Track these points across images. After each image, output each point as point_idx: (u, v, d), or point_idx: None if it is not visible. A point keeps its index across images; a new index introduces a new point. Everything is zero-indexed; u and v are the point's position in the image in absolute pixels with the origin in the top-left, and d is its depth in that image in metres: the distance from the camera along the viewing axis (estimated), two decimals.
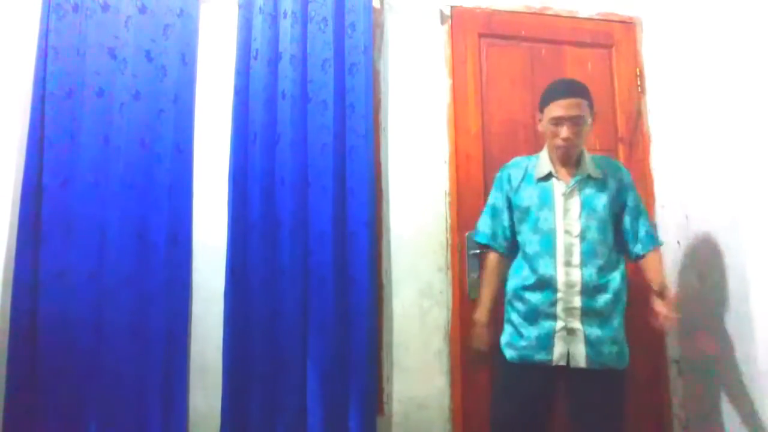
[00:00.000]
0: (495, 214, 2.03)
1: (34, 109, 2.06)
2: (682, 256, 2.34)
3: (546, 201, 1.91)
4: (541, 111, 1.93)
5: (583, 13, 2.61)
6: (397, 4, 2.49)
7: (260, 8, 2.26)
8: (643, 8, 2.64)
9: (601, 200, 1.90)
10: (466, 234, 2.32)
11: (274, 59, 2.25)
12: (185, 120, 2.23)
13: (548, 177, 1.93)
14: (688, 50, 2.37)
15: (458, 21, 2.51)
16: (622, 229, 1.96)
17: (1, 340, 1.96)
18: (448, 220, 2.37)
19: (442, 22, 2.51)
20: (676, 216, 2.38)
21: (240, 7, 2.30)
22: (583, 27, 2.60)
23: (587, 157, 1.94)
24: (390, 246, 2.33)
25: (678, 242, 2.37)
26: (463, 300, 2.30)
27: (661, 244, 1.99)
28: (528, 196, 1.94)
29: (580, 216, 1.88)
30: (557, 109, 1.86)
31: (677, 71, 2.44)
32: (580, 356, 1.82)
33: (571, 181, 1.91)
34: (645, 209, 2.01)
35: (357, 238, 2.18)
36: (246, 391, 2.08)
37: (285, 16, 2.26)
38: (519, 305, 1.91)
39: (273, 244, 2.16)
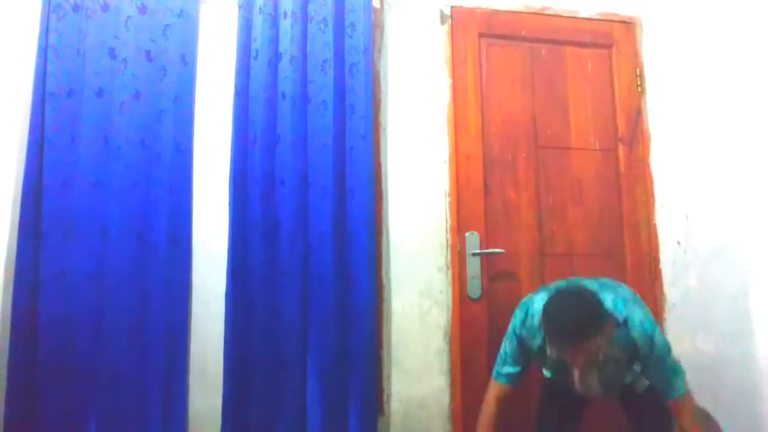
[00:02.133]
0: (511, 362, 1.87)
1: (34, 109, 2.06)
2: (682, 255, 2.34)
3: (564, 371, 1.74)
4: (548, 340, 1.72)
5: (583, 13, 2.61)
6: (397, 4, 2.49)
7: (260, 8, 2.26)
8: (643, 8, 2.64)
9: (620, 373, 1.73)
10: (466, 234, 2.32)
11: (274, 59, 2.25)
12: (185, 120, 2.23)
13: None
14: (688, 50, 2.37)
15: (458, 21, 2.50)
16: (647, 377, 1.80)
17: (1, 340, 1.96)
18: (448, 220, 2.37)
19: (442, 22, 2.51)
20: (676, 216, 2.38)
21: (240, 7, 2.30)
22: (583, 27, 2.60)
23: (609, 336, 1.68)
24: (390, 246, 2.33)
25: (678, 242, 2.37)
26: (463, 300, 2.30)
27: (683, 393, 1.80)
28: (548, 366, 1.81)
29: (597, 384, 1.70)
30: (563, 354, 1.66)
31: (677, 71, 2.44)
32: None
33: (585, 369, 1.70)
34: (670, 364, 1.79)
35: (357, 238, 2.18)
36: (246, 391, 2.08)
37: (285, 17, 2.26)
38: None
39: (273, 244, 2.16)
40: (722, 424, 1.62)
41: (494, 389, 1.90)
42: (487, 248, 2.31)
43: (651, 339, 1.74)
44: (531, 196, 2.41)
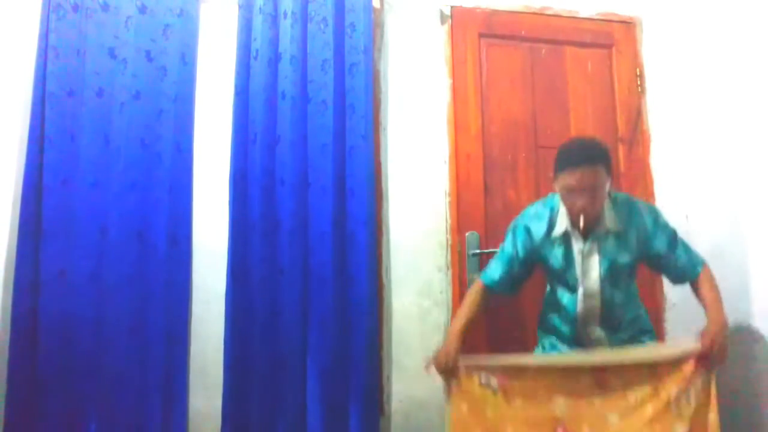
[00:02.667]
0: (507, 262, 1.92)
1: (34, 109, 2.06)
2: None
3: (571, 261, 1.84)
4: (555, 176, 1.79)
5: (583, 13, 2.61)
6: (397, 4, 2.49)
7: (260, 8, 2.26)
8: (643, 8, 2.63)
9: (623, 257, 1.82)
10: (466, 234, 2.32)
11: (274, 59, 2.25)
12: (185, 120, 2.23)
13: (566, 234, 1.83)
14: (688, 50, 2.38)
15: (458, 21, 2.50)
16: (663, 271, 1.91)
17: (1, 340, 1.96)
18: (448, 220, 2.37)
19: (442, 22, 2.51)
20: (676, 216, 2.38)
21: (240, 7, 2.30)
22: (583, 27, 2.60)
23: (607, 207, 1.80)
24: (390, 246, 2.33)
25: None
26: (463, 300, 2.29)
27: (703, 262, 1.84)
28: (554, 257, 1.86)
29: (600, 277, 1.82)
30: (570, 178, 1.72)
31: (677, 71, 2.44)
32: None
33: (587, 243, 1.81)
34: (678, 239, 1.86)
35: (357, 238, 2.18)
36: (246, 391, 2.08)
37: (285, 17, 2.26)
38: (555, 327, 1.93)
39: (273, 244, 2.16)
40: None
41: (474, 285, 1.97)
42: (487, 248, 2.31)
43: (654, 209, 1.91)
44: (531, 196, 2.41)
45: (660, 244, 1.83)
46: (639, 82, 2.59)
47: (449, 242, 2.35)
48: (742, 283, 2.03)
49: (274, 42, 2.26)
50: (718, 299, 1.76)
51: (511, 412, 1.74)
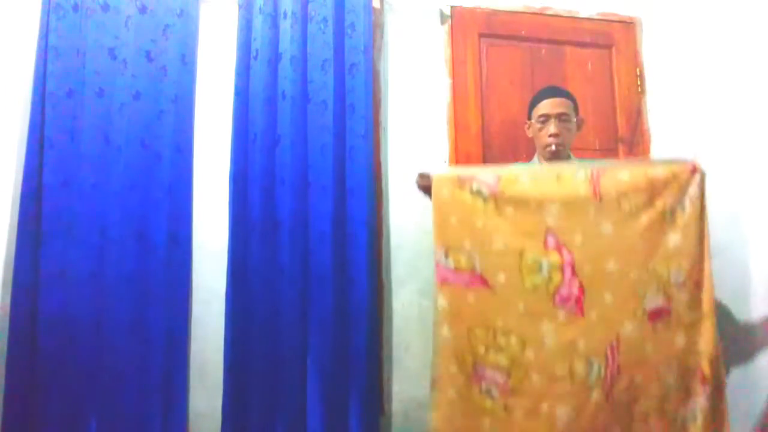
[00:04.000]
0: None
1: (34, 109, 2.06)
2: None
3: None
4: (529, 116, 2.01)
5: (583, 13, 2.61)
6: (397, 4, 2.49)
7: (260, 8, 2.25)
8: (643, 8, 2.64)
9: None
10: None
11: (274, 59, 2.25)
12: (185, 120, 2.23)
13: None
14: (688, 50, 2.38)
15: (458, 21, 2.51)
16: None
17: (2, 340, 1.95)
18: None
19: (442, 22, 2.51)
20: None
21: (240, 7, 2.30)
22: (583, 27, 2.60)
23: (575, 159, 1.99)
24: (390, 246, 2.33)
25: None
26: None
27: None
28: None
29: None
30: (543, 107, 1.95)
31: (677, 71, 2.44)
32: None
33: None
34: None
35: (357, 238, 2.18)
36: (246, 391, 2.08)
37: (285, 17, 2.26)
38: None
39: (273, 244, 2.16)
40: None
41: None
42: None
43: None
44: None
45: None
46: (639, 82, 2.59)
47: None
48: (742, 283, 2.03)
49: (274, 42, 2.26)
50: None
51: (501, 220, 1.69)
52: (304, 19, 2.29)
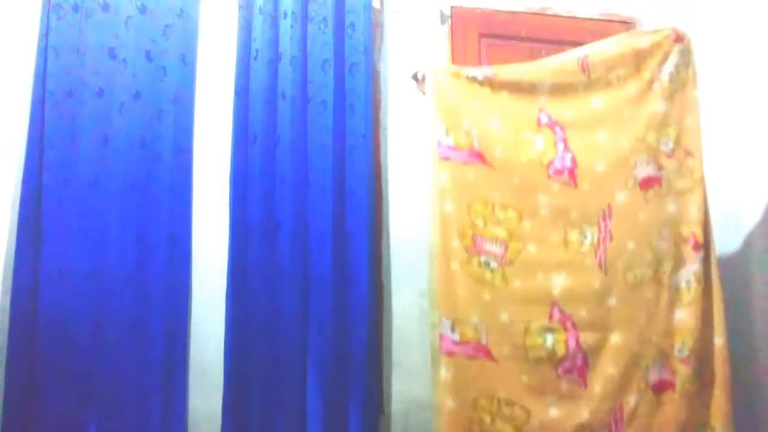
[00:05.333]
0: None
1: (34, 109, 2.06)
2: None
3: None
4: None
5: (583, 13, 2.61)
6: (397, 4, 2.49)
7: (260, 8, 2.25)
8: (643, 8, 2.63)
9: None
10: None
11: (274, 60, 2.25)
12: (185, 120, 2.23)
13: None
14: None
15: (458, 21, 2.50)
16: None
17: (1, 340, 1.95)
18: None
19: (442, 22, 2.51)
20: None
21: (240, 7, 2.30)
22: (583, 27, 2.60)
23: None
24: (390, 246, 2.33)
25: None
26: None
27: None
28: None
29: None
30: None
31: None
32: None
33: None
34: None
35: (357, 238, 2.18)
36: (246, 391, 2.08)
37: (285, 17, 2.26)
38: None
39: (273, 243, 2.16)
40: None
41: None
42: None
43: None
44: None
45: None
46: None
47: None
48: (742, 283, 2.03)
49: (274, 42, 2.26)
50: None
51: (497, 103, 1.77)
52: (304, 19, 2.29)
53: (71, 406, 1.97)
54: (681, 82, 1.68)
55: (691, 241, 1.66)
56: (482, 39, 2.51)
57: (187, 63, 2.25)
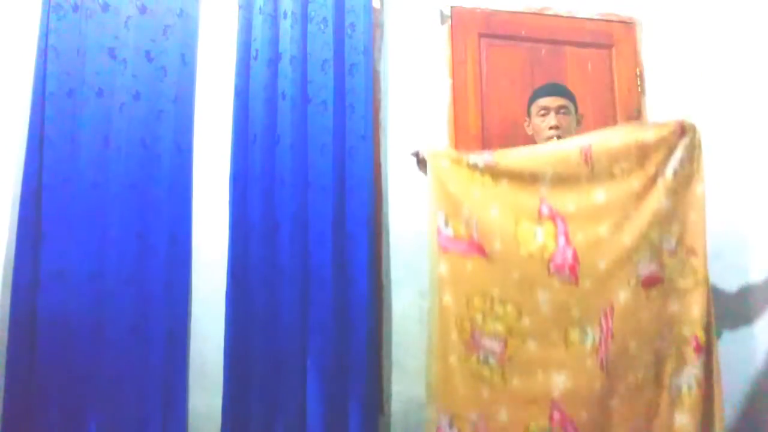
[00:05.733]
0: None
1: (34, 109, 2.06)
2: None
3: None
4: (529, 113, 2.03)
5: (583, 13, 2.61)
6: (397, 4, 2.49)
7: (260, 8, 2.25)
8: (643, 8, 2.63)
9: None
10: None
11: (274, 60, 2.25)
12: (185, 120, 2.23)
13: None
14: (688, 50, 2.38)
15: (458, 21, 2.51)
16: None
17: (1, 340, 1.95)
18: None
19: (442, 22, 2.51)
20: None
21: (240, 7, 2.30)
22: (583, 27, 2.60)
23: None
24: (390, 246, 2.33)
25: None
26: None
27: None
28: None
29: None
30: (543, 101, 1.97)
31: (677, 71, 2.44)
32: None
33: None
34: None
35: (357, 238, 2.18)
36: (246, 391, 2.08)
37: (285, 17, 2.26)
38: None
39: (273, 243, 2.16)
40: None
41: None
42: None
43: None
44: None
45: None
46: (639, 83, 2.59)
47: None
48: (742, 283, 2.03)
49: (274, 42, 2.26)
50: None
51: (497, 191, 1.72)
52: (304, 19, 2.29)
53: (71, 405, 1.97)
54: (686, 177, 1.64)
55: (693, 343, 1.61)
56: (482, 39, 2.51)
57: (187, 63, 2.25)
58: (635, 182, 1.64)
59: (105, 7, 2.17)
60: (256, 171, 2.18)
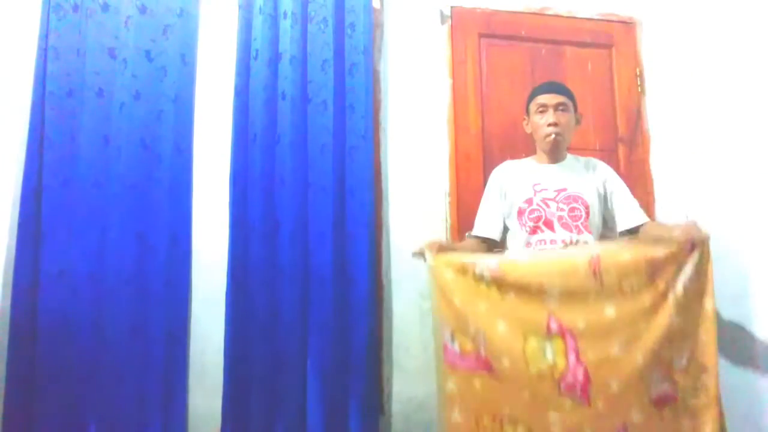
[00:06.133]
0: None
1: (34, 109, 2.06)
2: None
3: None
4: (527, 111, 2.03)
5: (583, 13, 2.61)
6: (397, 4, 2.49)
7: (260, 8, 2.26)
8: (643, 8, 2.64)
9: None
10: (466, 234, 2.32)
11: (274, 59, 2.25)
12: (185, 120, 2.23)
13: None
14: (688, 50, 2.38)
15: (458, 21, 2.51)
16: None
17: (1, 340, 1.95)
18: (448, 220, 2.37)
19: (442, 22, 2.51)
20: (676, 216, 2.38)
21: (240, 7, 2.30)
22: (583, 27, 2.60)
23: (571, 157, 2.03)
24: (390, 246, 2.33)
25: None
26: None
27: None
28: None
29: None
30: (542, 98, 1.96)
31: (677, 71, 2.44)
32: None
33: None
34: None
35: (357, 238, 2.18)
36: (246, 391, 2.08)
37: (285, 17, 2.26)
38: None
39: (273, 244, 2.16)
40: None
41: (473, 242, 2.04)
42: None
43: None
44: None
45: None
46: (639, 82, 2.59)
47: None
48: (743, 284, 2.03)
49: (274, 42, 2.26)
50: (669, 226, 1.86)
51: (504, 305, 1.69)
52: (304, 19, 2.29)
53: (71, 405, 1.97)
54: (695, 293, 1.60)
55: None
56: (482, 39, 2.51)
57: (187, 63, 2.25)
58: (646, 299, 1.61)
59: (105, 7, 2.17)
60: (256, 171, 2.18)
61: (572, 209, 1.89)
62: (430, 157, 2.41)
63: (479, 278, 1.71)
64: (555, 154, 1.98)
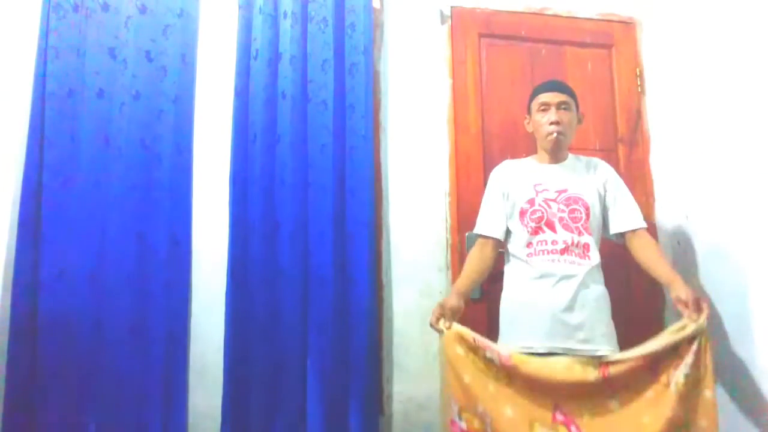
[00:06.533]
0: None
1: (34, 109, 2.06)
2: (682, 256, 2.34)
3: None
4: (529, 110, 2.02)
5: (583, 13, 2.61)
6: (397, 4, 2.49)
7: (260, 8, 2.26)
8: (643, 8, 2.64)
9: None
10: (466, 234, 2.32)
11: (274, 59, 2.25)
12: (185, 120, 2.23)
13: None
14: (688, 50, 2.37)
15: (458, 21, 2.51)
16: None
17: (1, 340, 1.95)
18: (448, 220, 2.37)
19: (442, 22, 2.51)
20: (676, 216, 2.38)
21: (240, 7, 2.30)
22: (583, 27, 2.60)
23: (572, 157, 2.02)
24: (390, 246, 2.33)
25: (678, 242, 2.37)
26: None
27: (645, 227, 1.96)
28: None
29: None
30: (544, 96, 1.95)
31: (677, 71, 2.44)
32: None
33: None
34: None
35: (357, 238, 2.18)
36: (246, 391, 2.08)
37: (285, 17, 2.26)
38: None
39: (273, 244, 2.16)
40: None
41: (475, 245, 2.01)
42: None
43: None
44: None
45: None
46: (639, 83, 2.59)
47: (449, 242, 2.35)
48: (743, 283, 2.03)
49: (274, 42, 2.26)
50: (667, 263, 1.93)
51: (512, 391, 1.71)
52: (304, 19, 2.29)
53: (71, 405, 1.97)
54: (696, 381, 1.62)
55: None
56: (482, 39, 2.51)
57: (187, 63, 2.25)
58: (650, 392, 1.65)
59: (105, 7, 2.17)
60: (256, 171, 2.18)
61: (573, 210, 1.89)
62: (430, 157, 2.41)
63: (489, 361, 1.73)
64: (556, 154, 1.98)
